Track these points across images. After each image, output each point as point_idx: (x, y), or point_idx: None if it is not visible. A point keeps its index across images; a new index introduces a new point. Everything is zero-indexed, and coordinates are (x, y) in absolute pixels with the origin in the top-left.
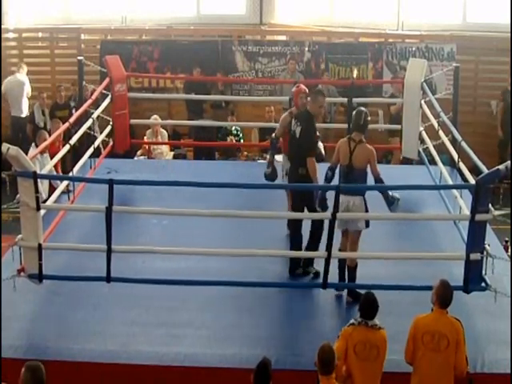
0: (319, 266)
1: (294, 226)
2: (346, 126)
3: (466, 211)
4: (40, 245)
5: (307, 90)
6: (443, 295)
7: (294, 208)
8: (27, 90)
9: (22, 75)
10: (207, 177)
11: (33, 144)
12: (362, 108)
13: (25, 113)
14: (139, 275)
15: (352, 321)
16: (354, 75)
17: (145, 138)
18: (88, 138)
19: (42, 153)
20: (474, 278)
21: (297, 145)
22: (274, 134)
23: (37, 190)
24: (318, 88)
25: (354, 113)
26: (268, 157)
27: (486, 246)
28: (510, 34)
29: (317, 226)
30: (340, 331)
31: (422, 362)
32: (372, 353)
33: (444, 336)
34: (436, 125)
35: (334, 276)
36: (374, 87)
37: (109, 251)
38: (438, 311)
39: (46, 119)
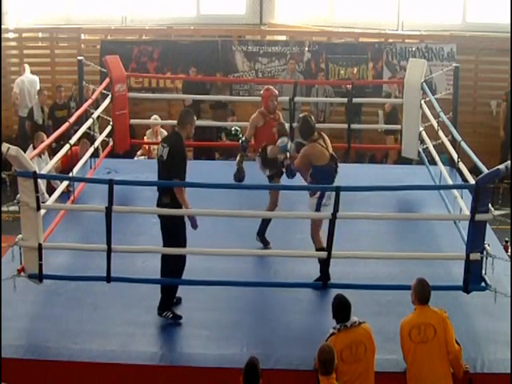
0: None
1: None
2: (343, 125)
3: (466, 211)
4: (40, 245)
5: (277, 93)
6: (420, 291)
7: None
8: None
9: (32, 75)
10: (207, 177)
11: (30, 145)
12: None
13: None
14: (139, 275)
15: (331, 331)
16: (355, 71)
17: (145, 138)
18: (88, 138)
19: (40, 155)
20: (473, 278)
21: (163, 168)
22: (244, 137)
23: (37, 190)
24: (186, 109)
25: (302, 119)
26: (237, 158)
27: (486, 245)
28: (510, 34)
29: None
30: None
31: (414, 357)
32: (359, 351)
33: (429, 325)
34: (436, 125)
35: (333, 276)
36: (373, 87)
37: (109, 251)
38: (419, 308)
39: (45, 117)
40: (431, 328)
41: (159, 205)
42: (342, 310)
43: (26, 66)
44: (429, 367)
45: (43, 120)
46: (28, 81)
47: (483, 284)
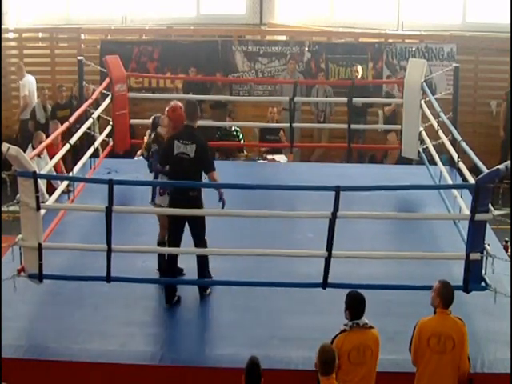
0: (319, 265)
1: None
2: (343, 126)
3: (466, 211)
4: (40, 245)
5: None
6: (445, 294)
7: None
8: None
9: (31, 76)
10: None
11: (30, 145)
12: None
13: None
14: (139, 275)
15: (342, 327)
16: (359, 70)
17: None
18: (88, 138)
19: (39, 154)
20: (473, 278)
21: (191, 165)
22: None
23: (37, 190)
24: (188, 100)
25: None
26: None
27: (486, 245)
28: (510, 34)
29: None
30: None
31: (428, 365)
32: (366, 354)
33: (450, 337)
34: (436, 125)
35: (333, 276)
36: (373, 87)
37: (109, 251)
38: (442, 312)
39: (48, 116)
40: (451, 340)
41: (186, 199)
42: (356, 305)
43: (23, 66)
44: (442, 377)
45: (46, 119)
46: (32, 81)
47: (483, 284)
